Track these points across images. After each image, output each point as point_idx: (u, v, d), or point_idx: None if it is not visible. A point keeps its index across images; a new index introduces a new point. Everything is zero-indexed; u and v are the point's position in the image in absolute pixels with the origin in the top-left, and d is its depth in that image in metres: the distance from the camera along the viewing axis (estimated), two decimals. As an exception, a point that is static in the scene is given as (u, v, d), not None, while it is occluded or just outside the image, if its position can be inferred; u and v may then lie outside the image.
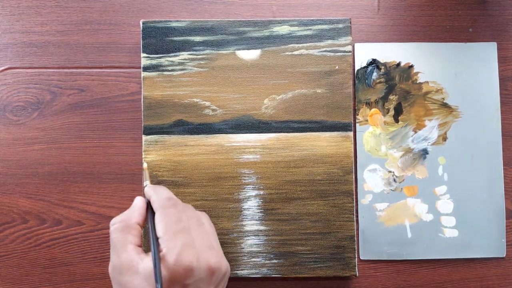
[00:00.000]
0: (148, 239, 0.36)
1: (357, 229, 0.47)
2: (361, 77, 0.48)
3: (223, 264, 0.35)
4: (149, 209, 0.37)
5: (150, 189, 0.38)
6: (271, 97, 0.47)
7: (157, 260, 0.32)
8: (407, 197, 0.47)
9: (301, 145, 0.47)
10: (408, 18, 0.49)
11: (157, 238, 0.34)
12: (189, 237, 0.34)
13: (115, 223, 0.36)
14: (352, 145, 0.47)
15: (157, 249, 0.33)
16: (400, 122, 0.48)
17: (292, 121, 0.47)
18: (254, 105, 0.47)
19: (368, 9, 0.49)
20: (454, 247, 0.47)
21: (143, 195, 0.39)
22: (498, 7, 0.50)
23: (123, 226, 0.35)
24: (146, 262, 0.33)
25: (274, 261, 0.46)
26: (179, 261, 0.32)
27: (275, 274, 0.46)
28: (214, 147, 0.47)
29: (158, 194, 0.37)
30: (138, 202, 0.37)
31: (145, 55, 0.47)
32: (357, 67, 0.48)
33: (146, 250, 0.35)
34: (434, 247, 0.47)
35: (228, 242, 0.46)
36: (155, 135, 0.47)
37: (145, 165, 0.42)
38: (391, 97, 0.48)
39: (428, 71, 0.48)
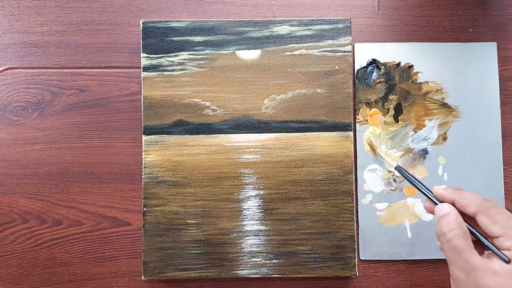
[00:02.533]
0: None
1: (357, 229, 0.47)
2: (361, 77, 0.48)
3: None
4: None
5: (450, 195, 0.38)
6: (271, 97, 0.47)
7: (506, 257, 0.34)
8: (407, 197, 0.47)
9: (301, 145, 0.47)
10: (408, 18, 0.49)
11: (492, 237, 0.35)
12: None
13: (453, 229, 0.36)
14: (352, 145, 0.47)
15: (498, 249, 0.35)
16: (400, 122, 0.48)
17: (292, 121, 0.47)
18: (254, 105, 0.47)
19: (368, 9, 0.49)
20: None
21: (401, 174, 0.41)
22: (498, 7, 0.50)
23: (463, 231, 0.36)
24: (496, 263, 0.34)
25: (274, 261, 0.46)
26: None
27: (275, 274, 0.46)
28: (214, 147, 0.47)
29: (466, 198, 0.37)
30: (452, 209, 0.38)
31: (145, 55, 0.47)
32: (357, 67, 0.48)
33: None
34: (434, 247, 0.47)
35: (228, 242, 0.46)
36: (155, 135, 0.47)
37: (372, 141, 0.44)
38: (391, 97, 0.48)
39: (428, 71, 0.48)
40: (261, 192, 0.46)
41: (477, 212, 0.36)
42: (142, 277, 0.46)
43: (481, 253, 0.36)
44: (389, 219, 0.47)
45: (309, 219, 0.46)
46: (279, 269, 0.46)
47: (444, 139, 0.48)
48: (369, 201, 0.47)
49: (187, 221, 0.46)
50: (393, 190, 0.47)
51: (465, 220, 0.37)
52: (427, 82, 0.48)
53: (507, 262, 0.34)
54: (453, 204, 0.38)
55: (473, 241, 0.36)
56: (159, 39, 0.47)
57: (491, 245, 0.35)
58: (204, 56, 0.47)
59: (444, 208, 0.38)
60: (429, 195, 0.39)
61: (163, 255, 0.46)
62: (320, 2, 0.49)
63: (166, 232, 0.46)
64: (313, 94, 0.47)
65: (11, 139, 0.48)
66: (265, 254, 0.46)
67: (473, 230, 0.37)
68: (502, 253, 0.34)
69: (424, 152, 0.48)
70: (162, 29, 0.47)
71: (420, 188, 0.40)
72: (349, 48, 0.47)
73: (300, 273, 0.46)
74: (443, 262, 0.48)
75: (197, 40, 0.47)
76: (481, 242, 0.36)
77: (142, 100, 0.47)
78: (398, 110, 0.48)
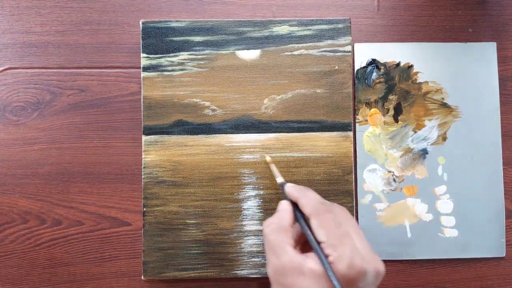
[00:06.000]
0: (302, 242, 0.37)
1: (357, 229, 0.47)
2: (360, 77, 0.48)
3: (383, 266, 0.35)
4: (297, 211, 0.38)
5: (295, 192, 0.38)
6: (271, 97, 0.47)
7: (327, 264, 0.33)
8: (407, 197, 0.47)
9: (301, 145, 0.47)
10: (408, 18, 0.49)
11: (318, 242, 0.34)
12: (352, 242, 0.34)
13: (270, 225, 0.36)
14: (352, 145, 0.47)
15: (323, 253, 0.34)
16: (400, 122, 0.48)
17: (291, 121, 0.47)
18: (254, 105, 0.47)
19: (368, 9, 0.49)
20: (454, 247, 0.47)
21: (283, 191, 0.39)
22: (497, 7, 0.50)
23: (279, 227, 0.36)
24: (310, 264, 0.33)
25: (274, 261, 0.46)
26: (352, 266, 0.32)
27: (275, 274, 0.46)
28: (214, 147, 0.47)
29: (307, 198, 0.37)
30: (286, 206, 0.38)
31: (145, 55, 0.47)
32: (356, 67, 0.48)
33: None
34: (433, 247, 0.47)
35: (228, 242, 0.46)
36: (155, 135, 0.47)
37: (268, 158, 0.42)
38: (390, 97, 0.48)
39: (428, 71, 0.48)
40: (261, 192, 0.46)
41: (311, 213, 0.36)
42: (142, 277, 0.46)
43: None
44: (389, 219, 0.47)
45: (309, 219, 0.46)
46: (279, 269, 0.46)
47: (444, 139, 0.48)
48: (369, 201, 0.47)
49: (187, 221, 0.46)
50: (393, 190, 0.47)
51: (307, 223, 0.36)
52: (427, 82, 0.48)
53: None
54: (297, 204, 0.38)
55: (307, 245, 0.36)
56: (159, 39, 0.47)
57: (317, 247, 0.34)
58: (204, 56, 0.47)
59: (281, 205, 0.38)
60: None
61: (163, 255, 0.46)
62: (320, 2, 0.49)
63: (166, 232, 0.46)
64: (313, 94, 0.47)
65: (11, 139, 0.48)
66: (265, 254, 0.46)
67: (307, 232, 0.36)
68: (324, 257, 0.33)
69: (424, 152, 0.48)
70: (162, 29, 0.47)
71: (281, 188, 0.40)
72: (348, 48, 0.47)
73: (300, 273, 0.46)
74: (443, 262, 0.48)
75: (197, 40, 0.47)
76: (311, 246, 0.35)
77: (142, 100, 0.47)
78: (398, 110, 0.48)
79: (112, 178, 0.48)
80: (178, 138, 0.47)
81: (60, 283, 0.47)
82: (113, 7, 0.49)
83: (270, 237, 0.36)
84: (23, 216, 0.47)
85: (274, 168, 0.44)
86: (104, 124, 0.48)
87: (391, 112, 0.48)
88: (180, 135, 0.47)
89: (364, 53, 0.48)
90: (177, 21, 0.47)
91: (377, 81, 0.48)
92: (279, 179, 0.42)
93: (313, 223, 0.35)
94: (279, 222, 0.36)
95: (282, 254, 0.34)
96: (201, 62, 0.47)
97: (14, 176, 0.48)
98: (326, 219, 0.35)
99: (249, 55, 0.47)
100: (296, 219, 0.37)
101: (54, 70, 0.48)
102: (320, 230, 0.35)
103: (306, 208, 0.36)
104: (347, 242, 0.34)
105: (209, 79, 0.47)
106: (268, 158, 0.45)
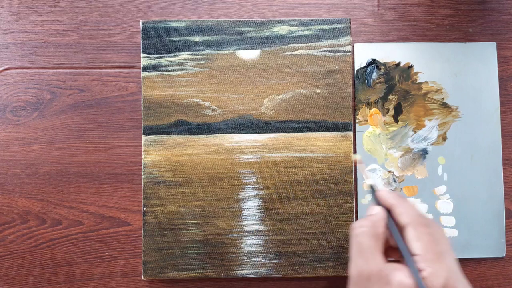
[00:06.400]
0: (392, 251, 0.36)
1: (357, 229, 0.47)
2: (360, 77, 0.48)
3: None
4: (390, 218, 0.36)
5: (391, 198, 0.37)
6: (271, 97, 0.47)
7: (420, 278, 0.32)
8: (407, 197, 0.47)
9: (301, 145, 0.47)
10: (408, 18, 0.49)
11: (411, 255, 0.34)
12: (449, 261, 0.33)
13: (363, 227, 0.35)
14: (352, 145, 0.47)
15: (415, 267, 0.33)
16: (399, 122, 0.48)
17: (291, 121, 0.47)
18: (254, 105, 0.47)
19: (368, 9, 0.49)
20: (454, 247, 0.47)
21: (374, 196, 0.38)
22: (497, 7, 0.50)
23: (373, 232, 0.35)
24: (400, 276, 0.32)
25: (274, 261, 0.46)
26: (447, 286, 0.32)
27: (275, 274, 0.46)
28: (214, 147, 0.47)
29: (404, 207, 0.36)
30: (380, 212, 0.37)
31: (144, 55, 0.47)
32: (356, 67, 0.48)
33: None
34: (433, 247, 0.47)
35: (228, 242, 0.46)
36: (155, 135, 0.47)
37: (358, 156, 0.42)
38: (390, 97, 0.48)
39: (428, 71, 0.48)
40: (261, 192, 0.46)
41: (408, 223, 0.35)
42: (142, 277, 0.46)
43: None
44: (389, 219, 0.47)
45: (309, 219, 0.46)
46: (279, 269, 0.46)
47: (444, 139, 0.48)
48: (369, 201, 0.47)
49: (187, 221, 0.46)
50: (393, 190, 0.47)
51: (400, 231, 0.35)
52: (426, 82, 0.48)
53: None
54: (391, 210, 0.37)
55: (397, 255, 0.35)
56: (158, 39, 0.47)
57: (410, 260, 0.33)
58: (204, 56, 0.47)
59: (373, 209, 0.37)
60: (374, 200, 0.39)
61: (163, 255, 0.46)
62: (320, 2, 0.49)
63: (166, 232, 0.46)
64: (313, 94, 0.47)
65: (11, 139, 0.48)
66: (264, 254, 0.46)
67: (400, 243, 0.35)
68: (416, 271, 0.32)
69: (424, 152, 0.48)
70: (162, 29, 0.47)
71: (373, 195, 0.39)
72: (348, 48, 0.47)
73: (300, 273, 0.46)
74: (442, 262, 0.48)
75: (197, 40, 0.47)
76: (401, 255, 0.34)
77: (141, 100, 0.47)
78: (398, 110, 0.48)
79: (112, 178, 0.48)
80: (178, 138, 0.47)
81: (60, 283, 0.47)
82: (113, 7, 0.49)
83: (362, 239, 0.35)
84: (23, 216, 0.47)
85: (363, 169, 0.43)
86: (104, 124, 0.48)
87: (391, 112, 0.48)
88: (180, 135, 0.47)
89: (364, 53, 0.48)
90: (177, 21, 0.47)
91: (377, 81, 0.48)
92: (370, 181, 0.41)
93: (410, 233, 0.34)
94: (373, 227, 0.35)
95: (372, 260, 0.33)
96: (201, 62, 0.47)
97: (14, 176, 0.48)
98: (424, 232, 0.34)
99: (249, 55, 0.47)
100: (387, 227, 0.36)
101: (54, 70, 0.48)
102: (416, 243, 0.33)
103: (403, 217, 0.35)
104: (444, 261, 0.33)
105: (209, 79, 0.47)
106: (358, 157, 0.43)
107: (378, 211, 0.37)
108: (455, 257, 0.34)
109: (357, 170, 0.42)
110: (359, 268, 0.34)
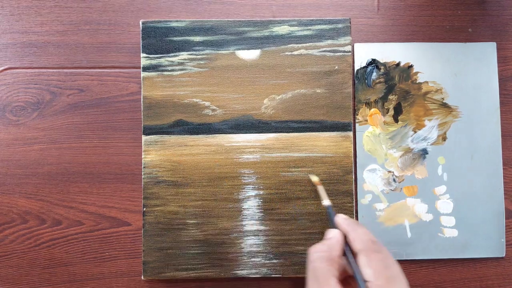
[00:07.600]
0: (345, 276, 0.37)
1: (357, 229, 0.47)
2: (360, 77, 0.48)
3: None
4: (346, 245, 0.38)
5: (346, 225, 0.38)
6: (271, 97, 0.47)
7: None
8: (406, 197, 0.47)
9: (301, 145, 0.47)
10: (408, 18, 0.49)
11: (364, 280, 0.34)
12: (399, 286, 0.34)
13: (318, 252, 0.36)
14: (352, 145, 0.47)
15: None
16: (399, 122, 0.48)
17: (291, 121, 0.47)
18: (254, 105, 0.47)
19: (368, 9, 0.49)
20: (454, 247, 0.47)
21: (330, 216, 0.40)
22: (497, 7, 0.50)
23: (328, 257, 0.36)
24: None
25: (274, 261, 0.46)
26: None
27: (275, 274, 0.46)
28: (214, 147, 0.47)
29: (358, 233, 0.37)
30: (337, 236, 0.38)
31: (144, 55, 0.47)
32: (356, 67, 0.48)
33: None
34: (433, 247, 0.47)
35: (228, 242, 0.46)
36: (155, 135, 0.47)
37: (315, 178, 0.43)
38: (390, 97, 0.48)
39: (428, 71, 0.48)
40: (261, 192, 0.46)
41: (360, 250, 0.36)
42: (142, 277, 0.46)
43: None
44: (389, 219, 0.47)
45: (309, 219, 0.46)
46: (279, 269, 0.46)
47: (444, 139, 0.48)
48: (369, 201, 0.47)
49: (187, 221, 0.46)
50: (392, 190, 0.47)
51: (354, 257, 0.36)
52: (426, 82, 0.48)
53: None
54: (346, 236, 0.38)
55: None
56: (158, 39, 0.47)
57: (361, 285, 0.34)
58: (204, 56, 0.47)
59: (330, 233, 0.38)
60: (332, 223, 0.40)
61: (162, 255, 0.46)
62: (320, 2, 0.49)
63: (165, 232, 0.46)
64: (312, 94, 0.47)
65: (10, 139, 0.48)
66: (264, 254, 0.46)
67: (354, 268, 0.36)
68: None
69: (424, 152, 0.48)
70: (162, 29, 0.47)
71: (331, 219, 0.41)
72: (348, 48, 0.47)
73: (299, 273, 0.46)
74: (442, 262, 0.48)
75: (197, 40, 0.47)
76: (356, 282, 0.35)
77: (141, 100, 0.47)
78: (398, 110, 0.48)
79: (112, 178, 0.48)
80: (178, 138, 0.47)
81: (59, 283, 0.47)
82: (113, 7, 0.49)
83: (317, 264, 0.35)
84: (23, 216, 0.47)
85: (321, 190, 0.44)
86: (104, 124, 0.48)
87: (391, 112, 0.48)
88: (180, 135, 0.47)
89: (364, 53, 0.48)
90: (177, 21, 0.47)
91: (377, 81, 0.48)
92: (326, 202, 0.43)
93: (362, 260, 0.35)
94: (328, 251, 0.36)
95: (325, 286, 0.34)
96: (201, 62, 0.47)
97: (14, 176, 0.48)
98: (375, 258, 0.35)
99: (249, 55, 0.47)
100: (343, 252, 0.37)
101: (54, 70, 0.48)
102: (367, 269, 0.34)
103: (356, 243, 0.36)
104: (395, 285, 0.34)
105: (209, 79, 0.47)
106: (315, 179, 0.45)
107: (334, 235, 0.38)
108: (406, 282, 0.35)
109: (318, 191, 0.44)
110: None
